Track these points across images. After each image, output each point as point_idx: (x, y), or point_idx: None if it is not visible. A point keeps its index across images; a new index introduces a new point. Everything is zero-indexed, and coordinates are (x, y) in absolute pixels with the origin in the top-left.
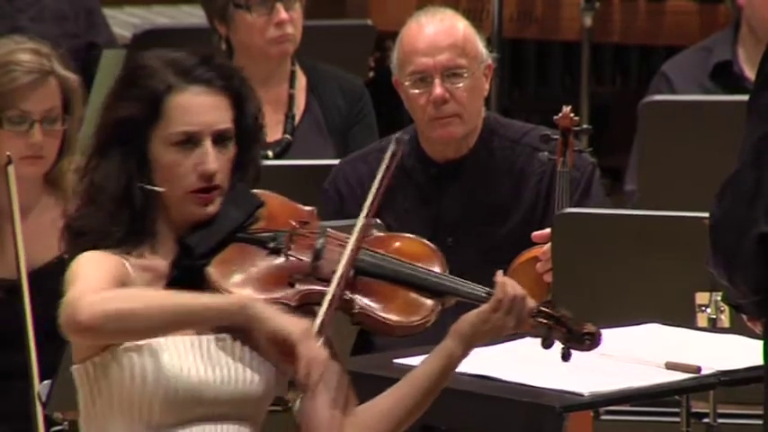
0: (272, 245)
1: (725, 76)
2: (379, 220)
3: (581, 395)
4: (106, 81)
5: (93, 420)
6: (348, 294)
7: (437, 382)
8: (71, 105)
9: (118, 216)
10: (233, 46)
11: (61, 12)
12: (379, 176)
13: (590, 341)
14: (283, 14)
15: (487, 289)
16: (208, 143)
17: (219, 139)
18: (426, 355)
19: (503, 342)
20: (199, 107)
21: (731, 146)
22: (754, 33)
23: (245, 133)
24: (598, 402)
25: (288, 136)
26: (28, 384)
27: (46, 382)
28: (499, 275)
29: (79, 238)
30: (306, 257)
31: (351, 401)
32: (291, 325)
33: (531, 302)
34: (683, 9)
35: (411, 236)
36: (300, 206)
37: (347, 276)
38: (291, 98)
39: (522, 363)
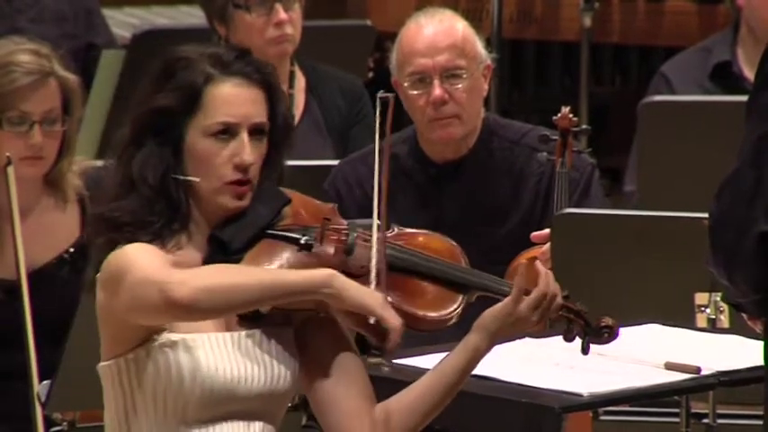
0: (303, 241)
1: (724, 76)
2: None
3: (580, 395)
4: (106, 81)
5: (123, 418)
6: (378, 290)
7: (461, 377)
8: (71, 106)
9: (155, 206)
10: None
11: (60, 13)
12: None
13: (608, 334)
14: (282, 15)
15: (511, 283)
16: (245, 135)
17: (255, 132)
18: (451, 352)
19: (502, 342)
20: (237, 99)
21: (731, 146)
22: (753, 34)
23: (276, 131)
24: (597, 403)
25: None
26: (28, 384)
27: (46, 382)
28: (521, 266)
29: (116, 229)
30: (336, 253)
31: (372, 396)
32: (372, 297)
33: (559, 297)
34: (682, 9)
35: (431, 232)
36: (321, 203)
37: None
38: (291, 98)
39: (522, 363)
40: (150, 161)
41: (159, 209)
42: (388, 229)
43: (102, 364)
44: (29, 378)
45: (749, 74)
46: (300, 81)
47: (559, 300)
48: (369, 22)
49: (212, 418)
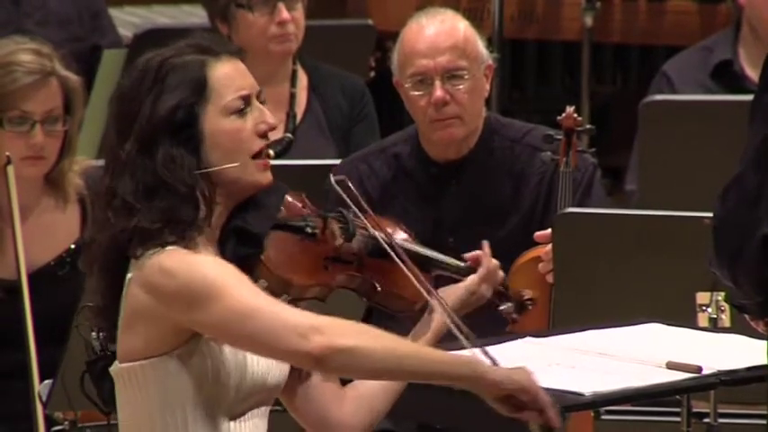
0: (309, 230)
1: (726, 75)
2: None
3: (582, 395)
4: (107, 81)
5: (156, 417)
6: (367, 277)
7: (423, 345)
8: (72, 106)
9: (184, 208)
10: None
11: (66, 15)
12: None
13: (531, 305)
14: (285, 14)
15: (463, 262)
16: (257, 102)
17: (260, 98)
18: (412, 332)
19: (502, 342)
20: (238, 72)
21: (732, 146)
22: (754, 33)
23: None
24: (599, 402)
25: (289, 135)
26: (28, 384)
27: (46, 382)
28: (485, 246)
29: (151, 238)
30: (339, 239)
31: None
32: (519, 379)
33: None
34: (683, 9)
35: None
36: (294, 193)
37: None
38: (293, 97)
39: (523, 363)
40: (174, 163)
41: (190, 208)
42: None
43: (130, 364)
44: (29, 378)
45: (751, 73)
46: (303, 80)
47: (501, 273)
48: (370, 22)
49: (247, 408)
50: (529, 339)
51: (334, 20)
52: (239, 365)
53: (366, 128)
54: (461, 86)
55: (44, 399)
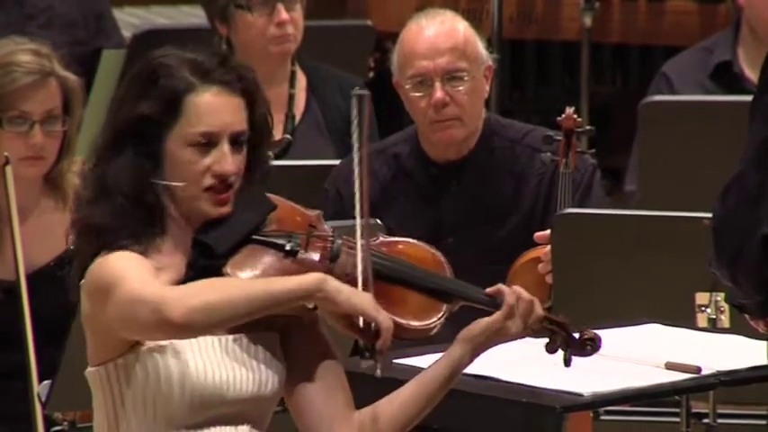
0: (288, 247)
1: (725, 76)
2: (379, 221)
3: (581, 395)
4: (106, 82)
5: (113, 422)
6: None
7: (443, 388)
8: (71, 106)
9: (130, 212)
10: (233, 46)
11: (70, 18)
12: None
13: (591, 347)
14: (284, 14)
15: (486, 291)
16: (225, 144)
17: (235, 140)
18: (433, 361)
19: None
20: (218, 108)
21: (732, 146)
22: (754, 33)
23: (256, 134)
24: (598, 402)
25: (288, 136)
26: (28, 384)
27: (46, 382)
28: (500, 286)
29: (96, 234)
30: (321, 260)
31: (348, 401)
32: (364, 299)
33: (540, 309)
34: (683, 9)
35: (414, 240)
36: (306, 210)
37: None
38: (292, 98)
39: (522, 363)
40: (127, 168)
41: (135, 214)
42: (372, 236)
43: (90, 369)
44: (29, 378)
45: (750, 74)
46: (301, 81)
47: (539, 311)
48: (369, 22)
49: (201, 423)
50: (529, 339)
51: (334, 20)
52: (181, 374)
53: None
54: (461, 88)
55: (44, 399)
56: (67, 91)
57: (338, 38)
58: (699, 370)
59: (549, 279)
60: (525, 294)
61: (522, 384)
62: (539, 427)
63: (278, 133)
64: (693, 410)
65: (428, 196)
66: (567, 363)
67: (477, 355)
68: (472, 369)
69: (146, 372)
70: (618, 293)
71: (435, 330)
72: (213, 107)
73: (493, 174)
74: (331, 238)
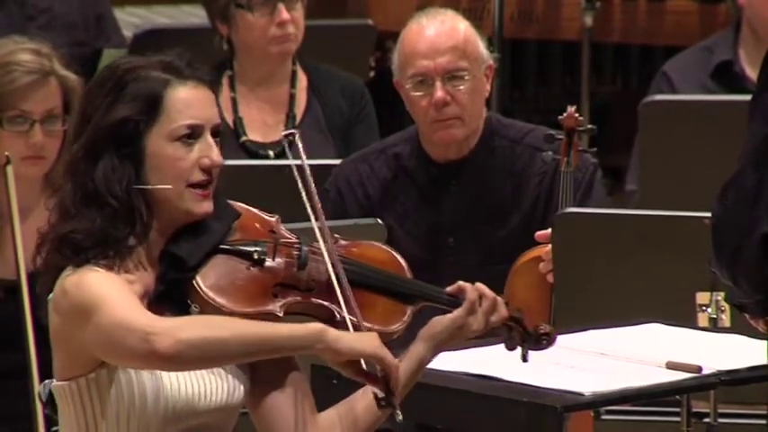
0: (255, 256)
1: (726, 75)
2: (379, 221)
3: (582, 395)
4: None
5: None
6: (328, 304)
7: (406, 387)
8: (72, 106)
9: (118, 221)
10: (234, 46)
11: (71, 19)
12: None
13: (546, 341)
14: (285, 14)
15: (446, 291)
16: (209, 136)
17: (215, 133)
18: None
19: (502, 342)
20: (199, 100)
21: (732, 146)
22: (755, 34)
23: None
24: (599, 402)
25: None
26: (28, 384)
27: (46, 382)
28: (461, 283)
29: (77, 251)
30: (288, 267)
31: (313, 408)
32: (364, 342)
33: (503, 308)
34: (683, 9)
35: (373, 242)
36: (266, 215)
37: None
38: (292, 98)
39: (523, 363)
40: (113, 174)
41: (122, 223)
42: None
43: (58, 383)
44: (29, 378)
45: (751, 73)
46: (302, 80)
47: (503, 309)
48: (370, 22)
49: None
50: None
51: (334, 20)
52: (156, 389)
53: (366, 128)
54: (462, 87)
55: (44, 399)
56: (68, 90)
57: (339, 37)
58: (699, 369)
59: (549, 278)
60: (488, 292)
61: (524, 384)
62: (540, 426)
63: (279, 133)
64: (694, 410)
65: (429, 196)
66: (525, 358)
67: (439, 352)
68: (472, 369)
69: (119, 387)
70: (618, 293)
71: (399, 334)
72: (193, 99)
73: (493, 173)
74: (298, 245)
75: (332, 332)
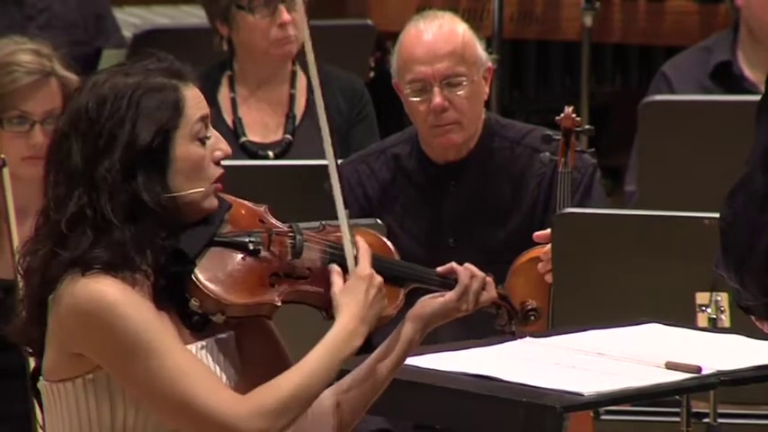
0: (251, 246)
1: (725, 76)
2: (379, 221)
3: (581, 395)
4: None
5: None
6: (324, 291)
7: (395, 368)
8: None
9: (161, 229)
10: (234, 47)
11: (70, 19)
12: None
13: (534, 316)
14: (286, 16)
15: (437, 271)
16: (212, 128)
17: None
18: (384, 342)
19: (502, 342)
20: (199, 96)
21: (731, 146)
22: (752, 35)
23: None
24: (598, 402)
25: (288, 136)
26: (28, 384)
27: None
28: (452, 264)
29: (110, 267)
30: (283, 256)
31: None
32: (375, 296)
33: (492, 289)
34: (683, 9)
35: (359, 227)
36: (253, 204)
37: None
38: (292, 98)
39: (522, 362)
40: (155, 187)
41: (161, 232)
42: (316, 226)
43: (48, 383)
44: (29, 378)
45: (749, 74)
46: (302, 81)
47: (492, 290)
48: (369, 22)
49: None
50: (529, 339)
51: (334, 20)
52: None
53: (365, 128)
54: (460, 92)
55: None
56: (68, 90)
57: (339, 37)
58: (699, 370)
59: (548, 278)
60: (478, 272)
61: (523, 384)
62: (539, 426)
63: (278, 133)
64: (694, 410)
65: (428, 197)
66: (514, 334)
67: (426, 332)
68: (472, 369)
69: (119, 388)
70: (618, 293)
71: (395, 315)
72: (197, 96)
73: (493, 174)
74: (291, 234)
75: (365, 318)
